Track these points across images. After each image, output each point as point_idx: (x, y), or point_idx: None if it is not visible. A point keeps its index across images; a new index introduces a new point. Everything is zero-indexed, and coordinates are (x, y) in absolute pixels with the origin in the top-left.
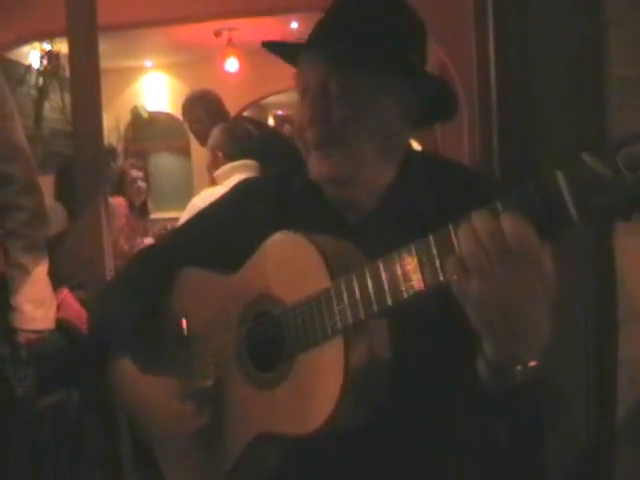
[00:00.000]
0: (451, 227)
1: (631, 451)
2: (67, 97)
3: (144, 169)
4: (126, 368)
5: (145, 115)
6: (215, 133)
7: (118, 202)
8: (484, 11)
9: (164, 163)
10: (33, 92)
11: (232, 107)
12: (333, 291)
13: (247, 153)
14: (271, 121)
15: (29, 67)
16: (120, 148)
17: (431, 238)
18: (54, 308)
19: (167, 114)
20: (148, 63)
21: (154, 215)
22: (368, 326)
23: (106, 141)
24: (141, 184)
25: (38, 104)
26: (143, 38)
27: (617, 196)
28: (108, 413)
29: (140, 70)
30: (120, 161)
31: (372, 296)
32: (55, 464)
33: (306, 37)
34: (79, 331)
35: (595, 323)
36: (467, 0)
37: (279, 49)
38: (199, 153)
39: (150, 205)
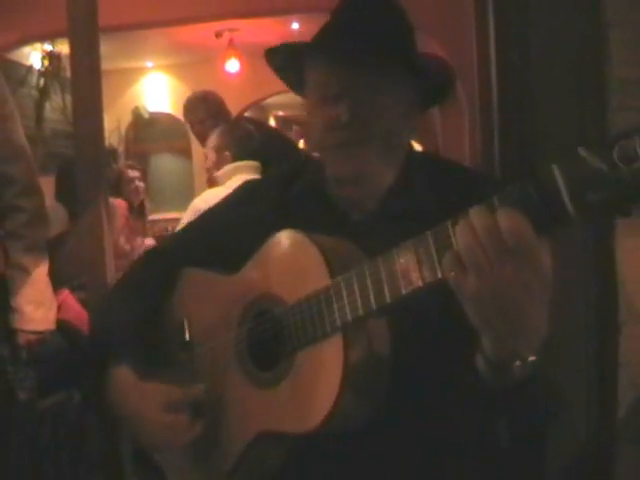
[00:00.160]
0: (449, 224)
1: (631, 451)
2: (68, 98)
3: (141, 169)
4: (122, 377)
5: (146, 116)
6: (220, 134)
7: (117, 203)
8: (485, 11)
9: (165, 164)
10: (34, 93)
11: (233, 108)
12: (332, 289)
13: (252, 153)
14: (272, 122)
15: (30, 68)
16: (121, 149)
17: (429, 235)
18: (54, 309)
19: (168, 115)
20: (149, 64)
21: (155, 216)
22: (367, 323)
23: (107, 142)
24: (139, 184)
25: (39, 105)
26: (144, 39)
27: (613, 190)
28: (108, 414)
29: (141, 71)
30: (121, 162)
31: (371, 293)
32: (55, 464)
33: (307, 38)
34: (80, 332)
35: (596, 324)
36: (468, 0)
37: (286, 76)
38: (200, 154)
39: (149, 205)
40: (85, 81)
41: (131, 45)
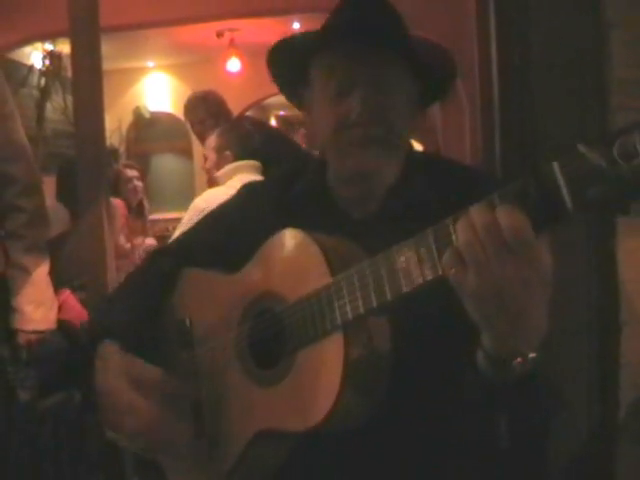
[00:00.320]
0: (449, 221)
1: (632, 451)
2: (69, 98)
3: (139, 168)
4: (107, 351)
5: (147, 116)
6: (220, 134)
7: (116, 203)
8: (486, 11)
9: (166, 164)
10: (35, 93)
11: (234, 108)
12: (333, 287)
13: (252, 153)
14: (273, 121)
15: (31, 68)
16: (122, 149)
17: (430, 232)
18: (55, 309)
19: (169, 115)
20: (150, 64)
21: (156, 216)
22: (368, 321)
23: (108, 142)
24: (137, 183)
25: (40, 105)
26: (145, 39)
27: (613, 186)
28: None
29: (142, 71)
30: (120, 162)
31: (372, 291)
32: (55, 464)
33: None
34: (80, 332)
35: (597, 324)
36: (469, 0)
37: (283, 78)
38: (201, 154)
39: (149, 205)
40: (86, 81)
41: (132, 45)
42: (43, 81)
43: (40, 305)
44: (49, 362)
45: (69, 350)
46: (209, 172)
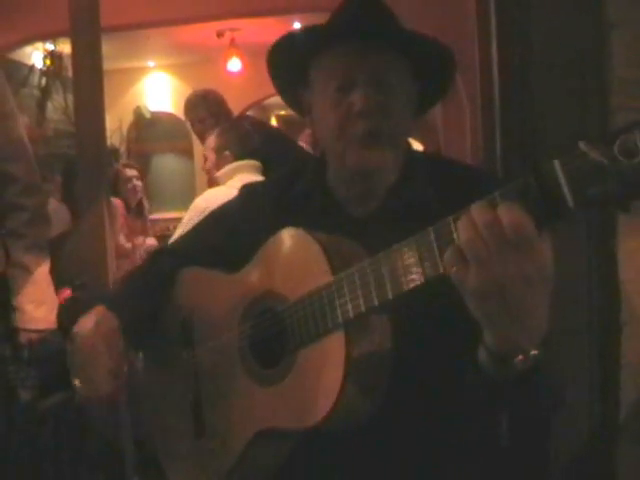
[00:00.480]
0: (451, 220)
1: (633, 450)
2: (70, 98)
3: (138, 168)
4: (96, 310)
5: (148, 116)
6: (219, 134)
7: (114, 203)
8: (487, 10)
9: (167, 164)
10: (36, 93)
11: (234, 107)
12: (334, 286)
13: (252, 153)
14: (274, 121)
15: (32, 67)
16: (123, 149)
17: (431, 231)
18: (55, 308)
19: (170, 114)
20: (151, 64)
21: (157, 215)
22: (369, 319)
23: (109, 142)
24: (136, 183)
25: (41, 105)
26: (146, 39)
27: (614, 183)
28: (110, 415)
29: (143, 71)
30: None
31: (373, 289)
32: (55, 464)
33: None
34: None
35: (597, 324)
36: None
37: (282, 77)
38: (202, 154)
39: (149, 204)
40: (87, 81)
41: (133, 45)
42: (44, 81)
43: (41, 304)
44: (50, 362)
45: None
46: (209, 172)
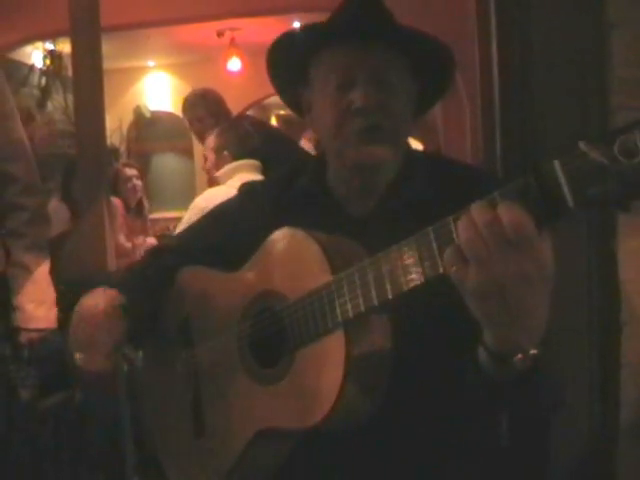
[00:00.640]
0: (450, 220)
1: (634, 450)
2: (70, 97)
3: (138, 167)
4: (97, 289)
5: (148, 115)
6: (218, 134)
7: (114, 202)
8: (487, 10)
9: (167, 163)
10: (36, 92)
11: (234, 107)
12: (334, 285)
13: (245, 154)
14: (274, 121)
15: (32, 67)
16: (123, 148)
17: (430, 231)
18: (55, 308)
19: (170, 114)
20: (151, 63)
21: (157, 215)
22: (369, 319)
23: (109, 141)
24: (136, 182)
25: (41, 104)
26: (146, 38)
27: (614, 183)
28: (110, 414)
29: (143, 70)
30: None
31: (373, 290)
32: (56, 464)
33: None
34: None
35: (598, 324)
36: None
37: (282, 76)
38: (202, 153)
39: (149, 204)
40: (87, 80)
41: (133, 44)
42: (44, 80)
43: (41, 304)
44: (50, 361)
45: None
46: (209, 172)
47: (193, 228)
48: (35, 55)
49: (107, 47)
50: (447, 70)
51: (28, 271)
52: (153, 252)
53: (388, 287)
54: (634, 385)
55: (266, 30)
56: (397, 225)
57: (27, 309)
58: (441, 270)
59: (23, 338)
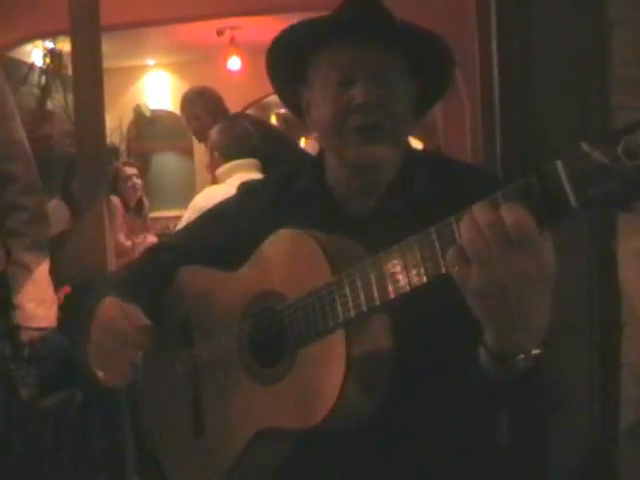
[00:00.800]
0: (453, 220)
1: (634, 450)
2: (70, 96)
3: (138, 166)
4: (108, 300)
5: (148, 114)
6: (213, 133)
7: (113, 201)
8: (487, 9)
9: (167, 162)
10: (36, 91)
11: (234, 106)
12: (335, 286)
13: (244, 152)
14: (274, 120)
15: (32, 66)
16: (123, 147)
17: (432, 231)
18: (55, 307)
19: (170, 113)
20: (151, 62)
21: (157, 214)
22: (370, 318)
23: (109, 140)
24: (136, 181)
25: (41, 103)
26: (146, 37)
27: (617, 184)
28: (111, 413)
29: (143, 69)
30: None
31: (374, 289)
32: (56, 464)
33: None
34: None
35: (598, 324)
36: None
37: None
38: (202, 152)
39: (149, 202)
40: (87, 79)
41: (133, 43)
42: (44, 79)
43: (42, 303)
44: (50, 360)
45: (69, 349)
46: (208, 170)
47: (192, 227)
48: (35, 54)
49: (107, 46)
50: (447, 68)
51: (28, 270)
52: (152, 250)
53: (390, 287)
54: (634, 385)
55: (266, 29)
56: (397, 225)
57: (28, 308)
58: (443, 270)
59: (24, 337)
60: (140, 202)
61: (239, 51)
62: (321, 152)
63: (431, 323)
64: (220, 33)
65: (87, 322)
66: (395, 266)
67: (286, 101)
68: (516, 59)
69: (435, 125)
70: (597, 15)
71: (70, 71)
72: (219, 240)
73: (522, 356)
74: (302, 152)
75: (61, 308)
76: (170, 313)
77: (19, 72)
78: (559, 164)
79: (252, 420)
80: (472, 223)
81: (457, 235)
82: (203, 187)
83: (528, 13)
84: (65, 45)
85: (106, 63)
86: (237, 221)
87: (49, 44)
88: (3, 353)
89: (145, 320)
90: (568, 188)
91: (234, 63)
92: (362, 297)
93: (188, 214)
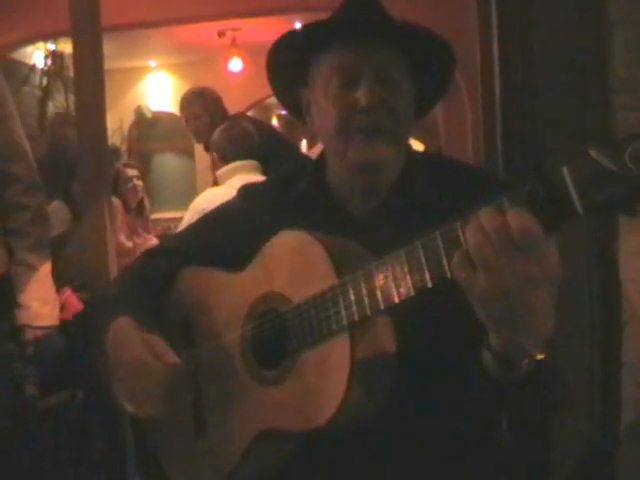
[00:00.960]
0: (458, 224)
1: (634, 450)
2: (71, 97)
3: (139, 167)
4: (121, 323)
5: (149, 115)
6: (214, 135)
7: (114, 202)
8: (487, 9)
9: (168, 163)
10: (37, 92)
11: (235, 107)
12: (339, 288)
13: (244, 154)
14: (275, 121)
15: (33, 67)
16: (124, 148)
17: (438, 235)
18: (57, 307)
19: (171, 114)
20: (152, 63)
21: (158, 215)
22: (374, 321)
23: (110, 141)
24: (137, 182)
25: (42, 104)
26: (147, 38)
27: (623, 190)
28: (111, 413)
29: (144, 70)
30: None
31: (378, 293)
32: (56, 464)
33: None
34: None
35: (598, 324)
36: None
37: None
38: (203, 154)
39: (150, 204)
40: (88, 80)
41: (134, 44)
42: (45, 80)
43: (46, 302)
44: (53, 359)
45: (70, 349)
46: (212, 171)
47: (193, 229)
48: (36, 55)
49: (108, 47)
50: (448, 68)
51: (33, 269)
52: (152, 253)
53: (394, 291)
54: (635, 384)
55: (267, 30)
56: (399, 226)
57: (32, 307)
58: (448, 275)
59: (29, 335)
60: (141, 203)
61: (240, 52)
62: (322, 154)
63: (434, 325)
64: (221, 34)
65: (101, 343)
66: (400, 270)
67: (285, 102)
68: (517, 59)
69: (436, 127)
70: (597, 15)
71: (71, 72)
72: (220, 242)
73: (527, 360)
74: (301, 154)
75: (71, 324)
76: (171, 313)
77: (20, 73)
78: (565, 170)
79: (254, 421)
80: (478, 228)
81: (462, 240)
82: (204, 188)
83: (529, 13)
84: (66, 46)
85: (107, 64)
86: (238, 223)
87: (50, 45)
88: (8, 352)
89: (175, 358)
90: (574, 194)
91: (235, 64)
92: (366, 301)
93: (189, 215)
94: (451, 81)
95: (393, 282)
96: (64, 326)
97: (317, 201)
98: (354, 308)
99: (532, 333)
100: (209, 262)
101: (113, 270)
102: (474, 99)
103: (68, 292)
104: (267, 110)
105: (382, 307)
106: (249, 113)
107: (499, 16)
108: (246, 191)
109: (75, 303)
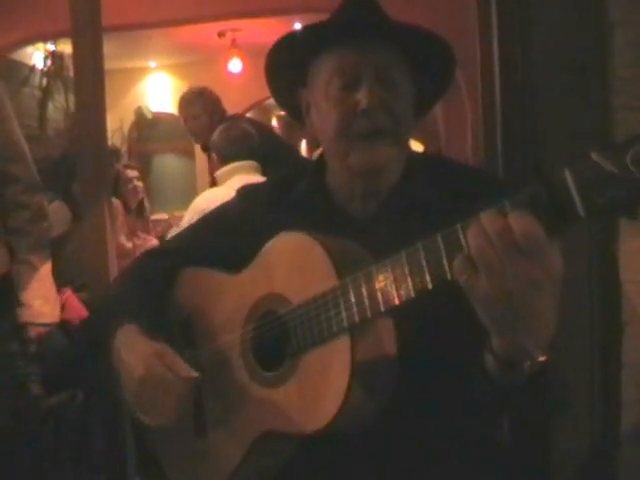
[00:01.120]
0: (459, 227)
1: (634, 451)
2: (71, 98)
3: (139, 168)
4: (128, 331)
5: (149, 116)
6: (214, 135)
7: (114, 203)
8: (488, 9)
9: (168, 164)
10: (37, 93)
11: (235, 108)
12: (340, 290)
13: (243, 154)
14: (274, 122)
15: (33, 68)
16: (124, 149)
17: (439, 238)
18: (58, 305)
19: (171, 115)
20: (152, 64)
21: (158, 216)
22: (374, 323)
23: (110, 142)
24: (137, 183)
25: (42, 105)
26: (147, 39)
27: (625, 193)
28: (111, 413)
29: (144, 71)
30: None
31: (379, 294)
32: (57, 464)
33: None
34: (78, 330)
35: (599, 324)
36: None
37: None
38: (203, 154)
39: (150, 205)
40: (88, 81)
41: (134, 45)
42: (45, 81)
43: (47, 300)
44: (55, 357)
45: (70, 349)
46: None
47: (192, 229)
48: (36, 56)
49: (108, 48)
50: (448, 68)
51: (34, 268)
52: (151, 253)
53: (394, 293)
54: (635, 385)
55: (267, 31)
56: (399, 227)
57: (34, 305)
58: (449, 277)
59: (32, 333)
60: (141, 204)
61: (240, 53)
62: (321, 155)
63: (435, 327)
64: (221, 35)
65: (103, 346)
66: (400, 272)
67: (283, 104)
68: (517, 59)
69: (436, 128)
70: (597, 15)
71: (71, 73)
72: (220, 243)
73: (529, 362)
74: (301, 155)
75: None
76: (171, 314)
77: (20, 74)
78: (567, 173)
79: (255, 423)
80: (480, 231)
81: (463, 242)
82: (204, 189)
83: (529, 13)
84: (66, 47)
85: (107, 65)
86: (237, 224)
87: (50, 46)
88: (11, 350)
89: (190, 371)
90: (576, 197)
91: (235, 65)
92: (367, 303)
93: (189, 216)
94: (451, 81)
95: (394, 284)
96: (66, 326)
97: (317, 202)
98: (355, 310)
99: (534, 335)
100: (209, 263)
101: (113, 271)
102: (474, 99)
103: (68, 292)
104: (267, 111)
105: (382, 309)
106: (249, 114)
107: (499, 16)
108: (246, 192)
109: (76, 304)
